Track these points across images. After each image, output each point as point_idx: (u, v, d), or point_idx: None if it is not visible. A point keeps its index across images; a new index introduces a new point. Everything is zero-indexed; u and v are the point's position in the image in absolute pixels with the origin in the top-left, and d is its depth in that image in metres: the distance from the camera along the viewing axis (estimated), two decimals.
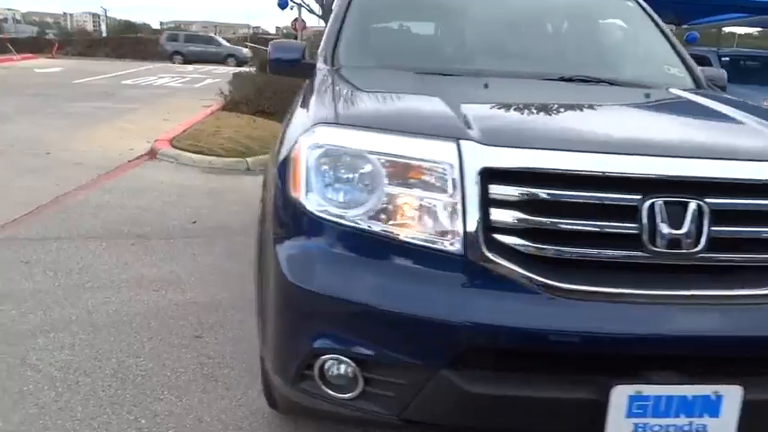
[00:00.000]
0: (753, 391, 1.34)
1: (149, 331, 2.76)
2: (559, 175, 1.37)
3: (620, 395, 1.31)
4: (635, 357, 1.34)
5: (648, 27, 2.74)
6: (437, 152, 1.40)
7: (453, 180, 1.37)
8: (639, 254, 1.36)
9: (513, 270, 1.33)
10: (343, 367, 1.42)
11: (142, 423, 2.11)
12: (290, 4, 14.76)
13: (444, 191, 1.38)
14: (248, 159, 6.57)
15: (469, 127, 1.48)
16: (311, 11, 14.71)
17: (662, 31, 2.72)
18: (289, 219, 1.53)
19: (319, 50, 2.50)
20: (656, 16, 2.71)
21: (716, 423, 1.35)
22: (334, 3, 2.72)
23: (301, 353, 1.45)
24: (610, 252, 1.36)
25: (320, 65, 2.40)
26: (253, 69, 12.79)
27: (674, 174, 1.38)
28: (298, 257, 1.48)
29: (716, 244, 1.36)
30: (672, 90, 2.30)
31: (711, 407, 1.34)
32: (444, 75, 2.24)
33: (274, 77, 10.35)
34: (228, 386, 2.35)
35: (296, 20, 15.72)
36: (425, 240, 1.39)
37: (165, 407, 2.20)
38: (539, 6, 2.91)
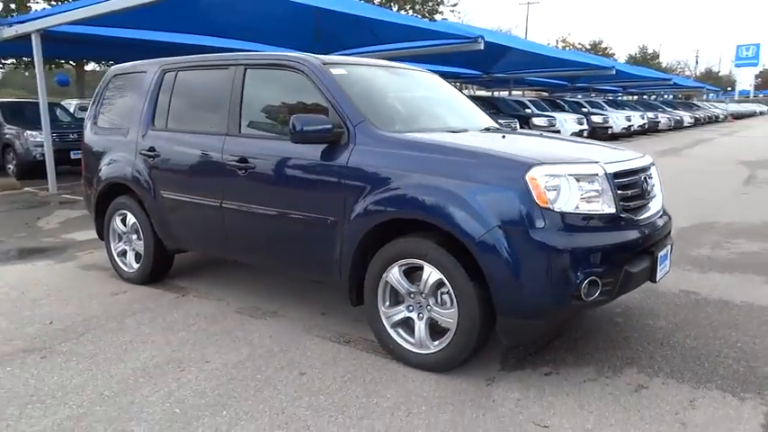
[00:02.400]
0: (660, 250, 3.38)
1: (257, 385, 2.99)
2: (627, 171, 3.10)
3: (658, 256, 3.15)
4: (654, 243, 3.20)
5: (465, 97, 4.61)
6: (597, 169, 2.91)
7: (605, 179, 2.91)
8: (644, 200, 3.22)
9: (630, 217, 3.00)
10: (591, 282, 2.77)
11: None
12: None
13: (601, 186, 2.90)
14: None
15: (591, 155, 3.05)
16: None
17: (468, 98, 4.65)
18: (540, 218, 2.74)
19: (354, 119, 3.31)
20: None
21: (667, 262, 3.35)
22: (325, 75, 3.50)
23: (574, 283, 2.73)
24: (639, 201, 3.16)
25: (373, 130, 3.26)
26: None
27: (640, 165, 3.30)
28: (562, 235, 2.74)
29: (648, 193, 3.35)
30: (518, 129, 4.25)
31: (667, 256, 3.34)
32: (447, 132, 3.56)
33: None
34: None
35: None
36: (602, 210, 2.89)
37: None
38: (429, 85, 4.38)
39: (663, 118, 26.64)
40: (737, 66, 52.94)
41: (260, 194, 3.72)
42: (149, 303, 4.25)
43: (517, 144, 3.44)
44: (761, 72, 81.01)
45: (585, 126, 19.15)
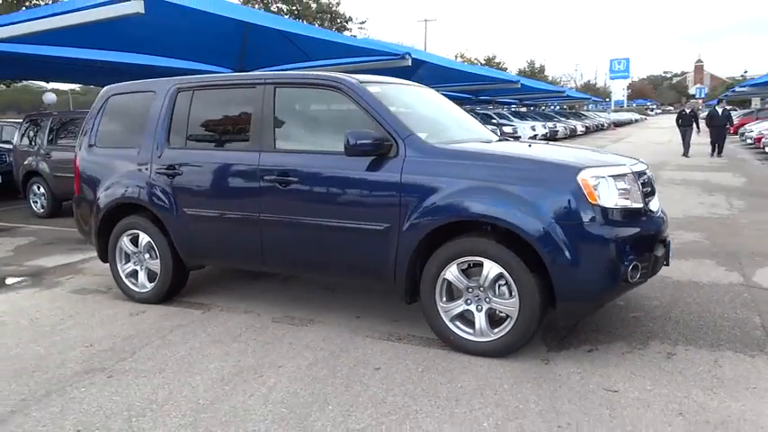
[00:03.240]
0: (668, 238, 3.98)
1: (343, 382, 3.21)
2: (641, 171, 3.63)
3: (669, 243, 3.72)
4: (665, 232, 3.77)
5: (464, 112, 5.03)
6: (627, 170, 3.42)
7: (633, 178, 3.43)
8: (653, 197, 3.77)
9: (651, 209, 3.53)
10: (634, 266, 3.26)
11: None
12: None
13: (631, 184, 3.41)
14: None
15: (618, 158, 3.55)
16: None
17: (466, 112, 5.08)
18: (592, 214, 3.19)
19: (402, 133, 3.61)
20: None
21: (672, 248, 3.93)
22: (366, 93, 3.78)
23: (623, 268, 3.20)
24: (651, 198, 3.71)
25: (422, 142, 3.59)
26: None
27: (644, 167, 3.85)
28: (609, 228, 3.20)
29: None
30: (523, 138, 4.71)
31: (671, 243, 3.91)
32: (481, 142, 3.95)
33: None
34: None
35: None
36: (634, 205, 3.39)
37: None
38: (436, 99, 4.75)
39: (560, 127, 28.83)
40: (612, 78, 57.93)
41: (305, 206, 3.91)
42: (179, 320, 4.29)
43: (551, 151, 3.89)
44: (630, 84, 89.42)
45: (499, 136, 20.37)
